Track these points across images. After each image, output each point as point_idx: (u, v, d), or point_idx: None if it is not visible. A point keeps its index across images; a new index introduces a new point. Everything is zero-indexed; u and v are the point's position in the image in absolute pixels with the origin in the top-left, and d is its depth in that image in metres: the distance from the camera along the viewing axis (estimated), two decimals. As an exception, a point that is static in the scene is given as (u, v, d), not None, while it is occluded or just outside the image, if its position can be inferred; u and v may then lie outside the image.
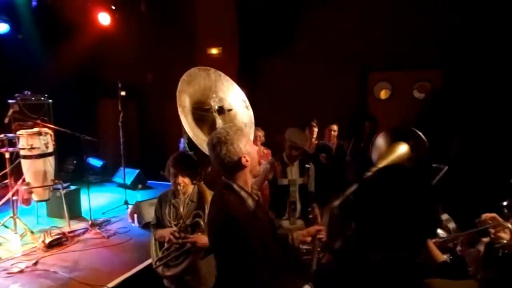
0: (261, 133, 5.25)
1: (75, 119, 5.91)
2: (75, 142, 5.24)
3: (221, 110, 2.87)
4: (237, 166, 1.89)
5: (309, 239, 2.10)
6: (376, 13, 6.36)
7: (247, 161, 1.90)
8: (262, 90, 7.32)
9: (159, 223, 2.87)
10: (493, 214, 1.52)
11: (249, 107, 2.95)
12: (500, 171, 2.53)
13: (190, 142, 2.59)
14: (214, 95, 2.86)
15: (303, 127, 4.73)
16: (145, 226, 4.95)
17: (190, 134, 2.52)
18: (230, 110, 2.87)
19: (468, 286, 1.20)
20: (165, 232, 2.70)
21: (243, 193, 1.89)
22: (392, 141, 2.27)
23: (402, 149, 2.27)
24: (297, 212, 3.53)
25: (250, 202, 1.89)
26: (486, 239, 1.47)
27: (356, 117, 5.58)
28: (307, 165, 3.64)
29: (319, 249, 2.11)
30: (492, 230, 1.48)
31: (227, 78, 2.94)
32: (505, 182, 2.44)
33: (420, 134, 2.24)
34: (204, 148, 2.43)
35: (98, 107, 8.50)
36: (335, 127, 5.32)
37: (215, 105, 2.86)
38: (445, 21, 5.91)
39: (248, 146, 1.92)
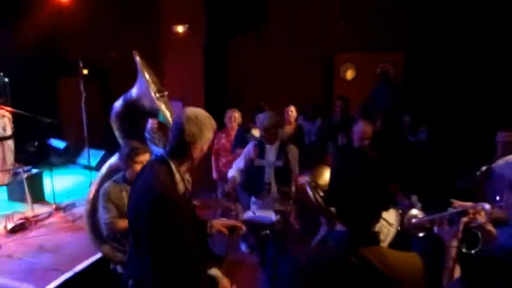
0: (237, 114, 4.95)
1: (34, 98, 5.64)
2: (35, 123, 5.03)
3: (163, 94, 2.87)
4: (186, 151, 1.87)
5: (225, 230, 2.18)
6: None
7: (194, 153, 1.88)
8: (229, 69, 7.26)
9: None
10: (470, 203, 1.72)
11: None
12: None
13: None
14: (150, 79, 2.85)
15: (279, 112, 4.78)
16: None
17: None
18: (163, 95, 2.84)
19: (413, 258, 1.29)
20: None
21: (177, 176, 1.85)
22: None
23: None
24: (271, 194, 3.54)
25: (181, 187, 1.86)
26: (465, 219, 1.64)
27: (322, 98, 5.66)
28: (286, 148, 3.65)
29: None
30: (471, 211, 1.66)
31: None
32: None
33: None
34: None
35: (58, 86, 8.11)
36: (292, 108, 5.36)
37: (155, 88, 2.86)
38: (408, 5, 6.05)
39: (206, 144, 1.91)
